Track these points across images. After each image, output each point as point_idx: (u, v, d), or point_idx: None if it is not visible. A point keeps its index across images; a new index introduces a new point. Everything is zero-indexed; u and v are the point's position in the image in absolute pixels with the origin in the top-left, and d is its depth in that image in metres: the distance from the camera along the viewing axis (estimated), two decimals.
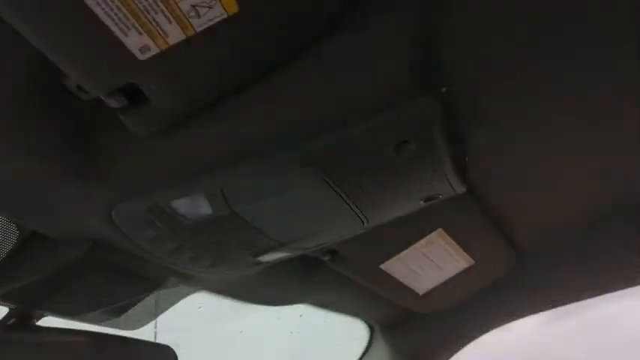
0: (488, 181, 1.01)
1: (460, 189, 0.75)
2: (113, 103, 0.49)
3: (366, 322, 1.53)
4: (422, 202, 0.74)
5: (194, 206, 0.63)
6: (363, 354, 1.62)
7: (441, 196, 0.74)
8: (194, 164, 0.58)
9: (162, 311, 1.02)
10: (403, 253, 1.07)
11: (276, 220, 0.71)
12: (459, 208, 1.04)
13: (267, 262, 0.87)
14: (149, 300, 0.95)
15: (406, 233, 1.04)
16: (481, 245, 1.18)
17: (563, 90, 0.77)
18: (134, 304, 0.89)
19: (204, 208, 0.64)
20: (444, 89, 0.58)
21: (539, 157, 0.95)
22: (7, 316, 0.78)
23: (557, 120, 0.84)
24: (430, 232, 1.05)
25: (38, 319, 0.82)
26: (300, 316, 1.40)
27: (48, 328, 0.78)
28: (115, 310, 0.87)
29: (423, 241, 1.06)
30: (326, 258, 1.02)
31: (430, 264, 1.15)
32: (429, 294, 1.28)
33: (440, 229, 1.05)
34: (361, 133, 0.57)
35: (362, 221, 0.76)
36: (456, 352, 1.55)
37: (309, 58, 0.54)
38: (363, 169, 0.62)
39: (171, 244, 0.71)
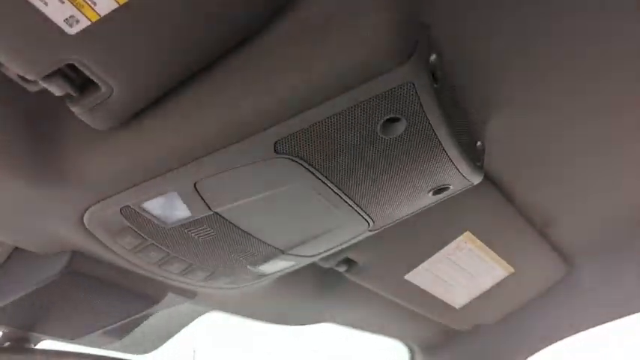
0: (517, 175, 0.91)
1: (474, 178, 0.66)
2: (55, 89, 0.45)
3: (403, 342, 1.43)
4: (430, 194, 0.66)
5: (169, 207, 0.58)
6: None
7: (451, 187, 0.66)
8: (160, 159, 0.53)
9: (173, 334, 0.97)
10: (429, 261, 0.98)
11: (266, 222, 0.65)
12: (487, 208, 0.95)
13: (273, 274, 0.80)
14: (155, 321, 0.91)
15: (429, 238, 0.95)
16: (519, 250, 1.07)
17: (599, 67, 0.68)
18: (136, 324, 0.84)
19: (181, 210, 0.59)
20: (433, 56, 0.51)
21: (580, 146, 0.85)
22: (1, 340, 0.74)
23: (600, 102, 0.75)
24: (456, 237, 0.96)
25: (35, 343, 0.78)
26: None
27: (43, 350, 0.75)
28: (117, 333, 0.82)
29: (449, 247, 0.97)
30: (342, 269, 0.94)
31: (462, 273, 1.05)
32: (467, 308, 1.17)
33: (467, 232, 0.96)
34: (340, 112, 0.50)
35: (365, 220, 0.68)
36: None
37: (275, 30, 0.48)
38: (350, 155, 0.55)
39: (157, 255, 0.66)
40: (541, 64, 0.68)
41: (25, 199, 0.55)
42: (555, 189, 0.97)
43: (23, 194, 0.55)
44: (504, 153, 0.85)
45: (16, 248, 0.67)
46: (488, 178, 0.91)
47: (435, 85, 0.52)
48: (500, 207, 0.96)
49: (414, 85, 0.49)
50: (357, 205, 0.64)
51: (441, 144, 0.56)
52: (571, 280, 1.24)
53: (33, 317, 0.73)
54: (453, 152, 0.58)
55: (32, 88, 0.46)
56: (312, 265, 0.95)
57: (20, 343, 0.75)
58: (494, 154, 0.85)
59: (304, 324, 1.11)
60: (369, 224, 0.70)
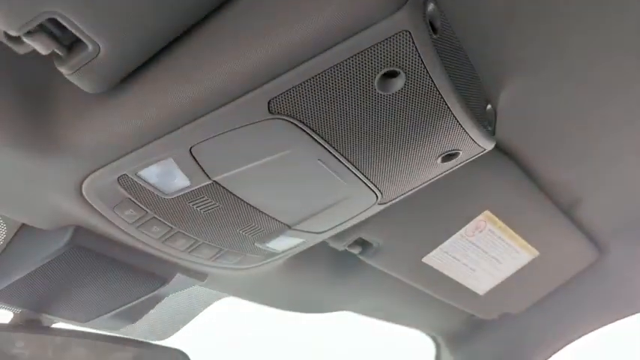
0: (540, 151, 0.87)
1: (485, 143, 0.63)
2: (40, 46, 0.44)
3: (428, 334, 1.39)
4: (439, 160, 0.63)
5: (167, 175, 0.57)
6: None
7: (461, 153, 0.63)
8: (153, 123, 0.52)
9: (188, 320, 0.97)
10: (447, 243, 0.95)
11: (269, 193, 0.63)
12: (508, 187, 0.91)
13: (283, 253, 0.78)
14: (169, 306, 0.90)
15: (446, 218, 0.92)
16: (544, 232, 1.03)
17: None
18: (148, 308, 0.83)
19: (179, 178, 0.58)
20: (430, 5, 0.49)
21: (609, 119, 0.81)
22: (13, 320, 0.75)
23: (632, 71, 0.71)
24: (476, 216, 0.92)
25: (49, 325, 0.78)
26: None
27: (54, 328, 0.75)
28: (129, 316, 0.82)
29: (468, 227, 0.93)
30: (356, 251, 0.92)
31: (484, 256, 1.01)
32: (491, 295, 1.12)
33: (487, 212, 0.92)
34: (333, 65, 0.48)
35: (373, 192, 0.66)
36: None
37: None
38: (347, 115, 0.53)
39: (160, 229, 0.65)
40: (566, 27, 0.64)
41: (22, 170, 0.55)
42: (582, 166, 0.93)
43: (20, 165, 0.54)
44: (525, 127, 0.82)
45: (23, 225, 0.67)
46: (508, 154, 0.88)
47: (434, 36, 0.49)
48: (522, 185, 0.92)
49: (410, 34, 0.47)
50: (362, 174, 0.62)
51: (444, 101, 0.53)
52: (603, 266, 1.19)
53: (43, 298, 0.73)
54: (459, 111, 0.56)
55: (20, 50, 0.46)
56: (327, 248, 0.94)
57: (33, 324, 0.75)
58: (515, 128, 0.82)
59: (321, 311, 1.09)
60: (377, 196, 0.67)
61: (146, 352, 0.79)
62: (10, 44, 0.45)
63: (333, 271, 0.99)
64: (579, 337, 1.31)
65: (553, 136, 0.84)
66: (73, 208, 0.61)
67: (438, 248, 0.95)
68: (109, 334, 0.79)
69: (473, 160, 0.67)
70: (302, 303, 1.06)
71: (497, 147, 0.84)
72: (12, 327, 0.73)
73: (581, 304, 1.25)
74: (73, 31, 0.44)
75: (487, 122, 0.64)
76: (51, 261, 0.66)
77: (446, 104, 0.54)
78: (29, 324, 0.75)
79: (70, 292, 0.73)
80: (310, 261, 0.95)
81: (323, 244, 0.92)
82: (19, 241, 0.67)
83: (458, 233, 0.94)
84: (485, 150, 0.64)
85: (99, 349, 0.76)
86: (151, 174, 0.57)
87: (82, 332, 0.75)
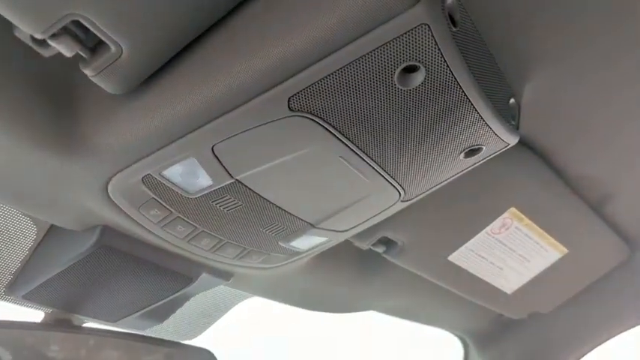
0: (567, 146, 0.86)
1: (509, 138, 0.62)
2: (64, 49, 0.45)
3: (455, 334, 1.37)
4: (462, 156, 0.62)
5: (190, 174, 0.58)
6: None
7: (484, 148, 0.62)
8: (176, 122, 0.53)
9: (215, 320, 0.98)
10: (473, 241, 0.94)
11: (291, 192, 0.63)
12: (534, 183, 0.90)
13: (307, 252, 0.78)
14: (196, 306, 0.91)
15: (471, 215, 0.91)
16: (572, 229, 1.01)
17: None
18: (174, 307, 0.84)
19: (202, 178, 0.58)
20: None
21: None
22: (44, 320, 0.76)
23: None
24: (501, 213, 0.91)
25: (79, 325, 0.80)
26: None
27: (84, 327, 0.76)
28: (156, 316, 0.83)
29: (494, 225, 0.92)
30: (381, 250, 0.91)
31: (512, 254, 1.00)
32: (520, 294, 1.11)
33: (513, 208, 0.90)
34: (352, 61, 0.48)
35: (395, 189, 0.66)
36: None
37: None
38: (368, 111, 0.53)
39: (184, 229, 0.66)
40: (592, 16, 0.63)
41: (49, 172, 0.57)
42: (611, 160, 0.90)
43: (48, 166, 0.56)
44: (551, 120, 0.80)
45: (52, 226, 0.68)
46: (534, 149, 0.86)
47: (454, 29, 0.49)
48: (549, 181, 0.90)
49: (428, 27, 0.46)
50: (384, 170, 0.61)
51: (465, 95, 0.53)
52: (634, 263, 1.16)
53: (73, 297, 0.74)
54: (481, 105, 0.55)
55: (46, 53, 0.47)
56: (351, 247, 0.93)
57: (63, 324, 0.77)
58: (540, 122, 0.80)
59: (346, 311, 1.08)
60: (400, 194, 0.67)
61: (174, 351, 0.80)
62: (35, 47, 0.46)
63: (358, 271, 0.99)
64: (611, 337, 1.28)
65: (580, 130, 0.82)
66: (99, 209, 0.62)
67: (463, 246, 0.94)
68: (137, 333, 0.80)
69: (497, 156, 0.66)
70: (327, 303, 1.06)
71: (521, 142, 0.83)
72: (43, 326, 0.74)
73: (612, 303, 1.22)
74: (96, 33, 0.45)
75: (510, 116, 0.63)
76: (80, 261, 0.67)
77: (467, 98, 0.54)
78: (60, 323, 0.77)
79: (98, 292, 0.75)
80: (334, 260, 0.95)
81: (347, 243, 0.92)
82: (49, 242, 0.69)
83: (483, 231, 0.93)
84: (509, 145, 0.63)
85: (128, 349, 0.77)
86: (175, 174, 0.58)
87: (111, 331, 0.77)
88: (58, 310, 0.76)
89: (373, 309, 1.13)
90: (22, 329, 0.73)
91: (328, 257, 0.91)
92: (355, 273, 0.99)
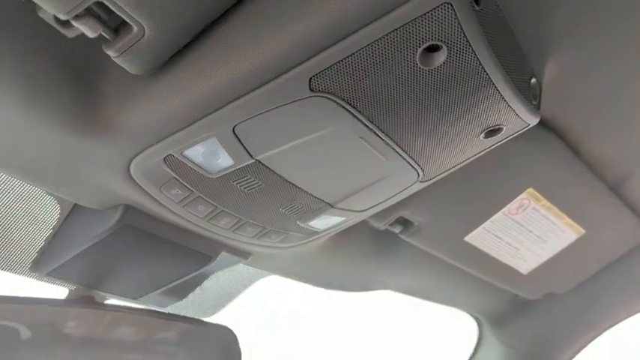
0: (585, 125, 0.85)
1: (529, 118, 0.61)
2: (88, 30, 0.45)
3: (471, 314, 1.38)
4: (482, 136, 0.62)
5: (211, 154, 0.58)
6: (473, 353, 1.46)
7: (505, 128, 0.62)
8: (197, 103, 0.53)
9: (233, 297, 0.99)
10: (490, 222, 0.94)
11: (311, 172, 0.64)
12: (552, 163, 0.89)
13: (325, 231, 0.79)
14: (214, 284, 0.93)
15: (489, 196, 0.90)
16: (590, 209, 1.00)
17: None
18: (194, 285, 0.86)
19: (223, 158, 0.59)
20: None
21: None
22: (68, 296, 0.78)
23: None
24: (519, 194, 0.91)
25: (101, 302, 0.82)
26: None
27: (107, 304, 0.78)
28: (176, 293, 0.84)
29: (511, 206, 0.92)
30: (397, 230, 0.92)
31: (528, 235, 1.00)
32: (535, 274, 1.11)
33: (530, 189, 0.90)
34: (374, 41, 0.48)
35: (414, 169, 0.66)
36: (583, 346, 1.34)
37: None
38: (389, 91, 0.53)
39: (205, 208, 0.67)
40: None
41: (73, 152, 0.58)
42: (630, 141, 0.89)
43: (71, 146, 0.57)
44: (571, 101, 0.79)
45: (75, 205, 0.70)
46: (553, 130, 0.85)
47: (477, 8, 0.48)
48: (567, 162, 0.90)
49: (451, 6, 0.46)
50: (404, 151, 0.61)
51: (487, 75, 0.53)
52: None
53: (95, 274, 0.76)
54: (503, 85, 0.54)
55: (69, 34, 0.47)
56: (368, 227, 0.94)
57: (87, 300, 0.79)
58: (560, 103, 0.80)
59: (362, 290, 1.09)
60: (418, 174, 0.67)
61: (194, 328, 0.82)
62: (59, 28, 0.47)
63: (374, 250, 0.99)
64: (627, 317, 1.28)
65: (599, 110, 0.81)
66: (121, 188, 0.63)
67: (480, 227, 0.94)
68: (159, 310, 0.82)
69: (516, 137, 0.65)
70: (343, 281, 1.07)
71: (541, 122, 0.82)
72: (67, 302, 0.76)
73: (629, 284, 1.22)
74: (119, 13, 0.45)
75: (532, 96, 0.62)
76: (102, 239, 0.69)
77: (489, 78, 0.53)
78: (83, 300, 0.78)
79: (120, 270, 0.76)
80: (351, 240, 0.95)
81: (364, 223, 0.92)
82: (72, 221, 0.70)
83: (501, 212, 0.92)
84: (529, 125, 0.63)
85: (149, 325, 0.79)
86: (196, 153, 0.58)
87: (133, 308, 0.78)
88: (81, 287, 0.78)
89: (389, 288, 1.14)
90: (44, 306, 0.75)
91: (345, 237, 0.91)
92: (371, 253, 1.00)
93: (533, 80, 0.64)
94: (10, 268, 0.74)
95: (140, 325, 0.78)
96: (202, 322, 0.84)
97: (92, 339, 0.74)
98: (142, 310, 0.79)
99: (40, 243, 0.72)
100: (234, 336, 0.83)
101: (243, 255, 0.82)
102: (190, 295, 0.87)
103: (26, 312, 0.70)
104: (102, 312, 0.76)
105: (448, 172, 0.70)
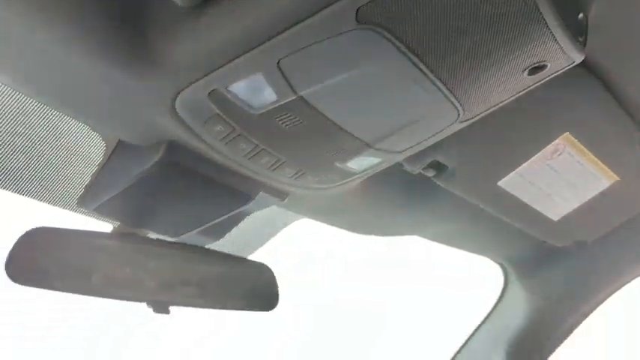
0: (626, 70, 0.83)
1: (576, 56, 0.60)
2: None
3: (497, 261, 1.40)
4: (525, 73, 0.61)
5: (255, 89, 0.59)
6: (498, 301, 1.48)
7: (549, 65, 0.61)
8: (243, 36, 0.54)
9: (266, 239, 1.02)
10: (524, 167, 0.93)
11: (353, 109, 0.64)
12: (590, 107, 0.88)
13: (361, 173, 0.80)
14: (249, 225, 0.95)
15: (524, 140, 0.90)
16: (626, 157, 0.99)
17: None
18: (231, 225, 0.88)
19: (266, 93, 0.60)
20: None
21: None
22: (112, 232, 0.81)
23: None
24: (555, 139, 0.90)
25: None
26: None
27: (150, 239, 0.80)
28: (214, 232, 0.87)
29: (547, 150, 0.92)
30: (431, 174, 0.92)
31: (562, 181, 0.99)
32: (565, 221, 1.11)
33: (567, 134, 0.89)
34: None
35: (455, 107, 0.65)
36: (607, 296, 1.35)
37: None
38: (436, 24, 0.52)
39: (246, 146, 0.68)
40: None
41: (119, 87, 0.59)
42: None
43: (117, 82, 0.58)
44: (615, 43, 0.78)
45: (119, 142, 0.71)
46: (594, 72, 0.84)
47: None
48: (606, 107, 0.89)
49: None
50: (447, 88, 0.61)
51: (537, 6, 0.52)
52: None
53: (138, 212, 0.78)
54: (551, 18, 0.53)
55: None
56: (402, 171, 0.95)
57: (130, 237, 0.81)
58: (604, 44, 0.78)
59: (391, 235, 1.11)
60: (459, 113, 0.67)
61: (234, 264, 0.84)
62: None
63: (407, 195, 1.00)
64: None
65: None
66: (166, 124, 0.64)
67: (514, 172, 0.94)
68: (199, 246, 0.84)
69: (555, 78, 0.65)
70: (374, 226, 1.08)
71: (582, 63, 0.81)
72: (112, 236, 0.79)
73: None
74: None
75: (578, 32, 0.61)
76: (145, 176, 0.70)
77: (538, 10, 0.52)
78: (127, 235, 0.81)
79: (162, 208, 0.79)
80: (385, 184, 0.96)
81: (398, 167, 0.93)
82: (117, 158, 0.72)
83: (535, 156, 0.92)
84: (573, 63, 0.62)
85: (190, 260, 0.82)
86: (241, 89, 0.59)
87: (175, 244, 0.81)
88: (124, 225, 0.81)
89: (417, 234, 1.16)
90: (90, 238, 0.77)
91: (379, 181, 0.92)
92: (403, 197, 1.01)
93: (581, 15, 0.63)
94: (60, 203, 0.77)
95: (182, 260, 0.80)
96: (241, 259, 0.86)
97: (134, 273, 0.77)
98: (183, 245, 0.82)
99: (87, 179, 0.75)
100: (272, 274, 0.86)
101: (280, 195, 0.83)
102: (227, 235, 0.89)
103: (74, 242, 0.73)
104: (144, 247, 0.78)
105: (488, 111, 0.70)
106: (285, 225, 1.01)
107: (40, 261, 0.70)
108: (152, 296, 0.77)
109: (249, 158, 0.71)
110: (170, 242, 0.81)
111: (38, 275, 0.70)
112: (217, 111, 0.62)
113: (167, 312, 0.77)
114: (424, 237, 1.17)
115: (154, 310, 0.76)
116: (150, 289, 0.77)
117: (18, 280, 0.67)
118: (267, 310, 0.87)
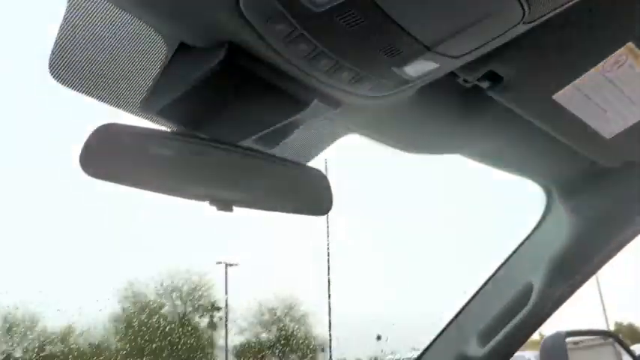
0: None
1: None
2: None
3: (541, 184, 1.39)
4: None
5: None
6: (539, 223, 1.48)
7: None
8: None
9: (318, 152, 1.03)
10: (582, 79, 0.91)
11: (415, 6, 0.63)
12: None
13: (415, 81, 0.80)
14: (302, 135, 0.96)
15: (585, 50, 0.87)
16: None
17: None
18: (286, 133, 0.89)
19: None
20: None
21: None
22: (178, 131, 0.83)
23: None
24: (617, 49, 0.87)
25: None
26: None
27: (210, 139, 0.82)
28: (270, 140, 0.88)
29: (607, 62, 0.89)
30: (485, 85, 0.91)
31: (619, 95, 0.97)
32: (618, 139, 1.09)
33: (630, 44, 0.86)
34: None
35: (522, 7, 0.64)
36: None
37: None
38: None
39: (306, 47, 0.68)
40: None
41: None
42: None
43: None
44: None
45: (181, 44, 0.72)
46: None
47: None
48: None
49: None
50: None
51: None
52: None
53: (198, 116, 0.80)
54: None
55: None
56: (453, 84, 0.94)
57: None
58: None
59: (439, 152, 1.11)
60: (524, 12, 0.65)
61: (290, 168, 0.87)
62: None
63: (458, 110, 1.00)
64: None
65: None
66: (228, 23, 0.65)
67: (570, 84, 0.92)
68: (258, 149, 0.86)
69: None
70: (420, 142, 1.08)
71: None
72: (172, 135, 0.81)
73: None
74: None
75: None
76: (206, 78, 0.72)
77: None
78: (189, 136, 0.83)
79: (222, 112, 0.80)
80: (437, 98, 0.96)
81: (451, 79, 0.92)
82: (178, 60, 0.73)
83: (594, 68, 0.90)
84: None
85: (250, 163, 0.84)
86: None
87: (236, 146, 0.83)
88: (186, 129, 0.83)
89: (462, 153, 1.15)
90: (152, 136, 0.80)
91: (430, 94, 0.92)
92: (453, 112, 1.00)
93: None
94: (124, 106, 0.80)
95: (241, 161, 0.83)
96: (298, 164, 0.89)
97: (196, 172, 0.80)
98: (243, 148, 0.84)
99: (150, 82, 0.77)
100: (327, 180, 0.88)
101: (334, 103, 0.84)
102: (281, 143, 0.91)
103: (141, 139, 0.77)
104: (206, 148, 0.81)
105: (553, 12, 0.68)
106: (335, 138, 1.01)
107: (109, 155, 0.73)
108: (214, 195, 0.80)
109: (308, 60, 0.71)
110: (231, 145, 0.83)
111: (108, 169, 0.74)
112: (281, 8, 0.62)
113: (231, 210, 0.81)
114: (467, 156, 1.17)
115: (217, 209, 0.80)
116: (211, 188, 0.80)
117: (89, 172, 0.71)
118: (321, 215, 0.90)
